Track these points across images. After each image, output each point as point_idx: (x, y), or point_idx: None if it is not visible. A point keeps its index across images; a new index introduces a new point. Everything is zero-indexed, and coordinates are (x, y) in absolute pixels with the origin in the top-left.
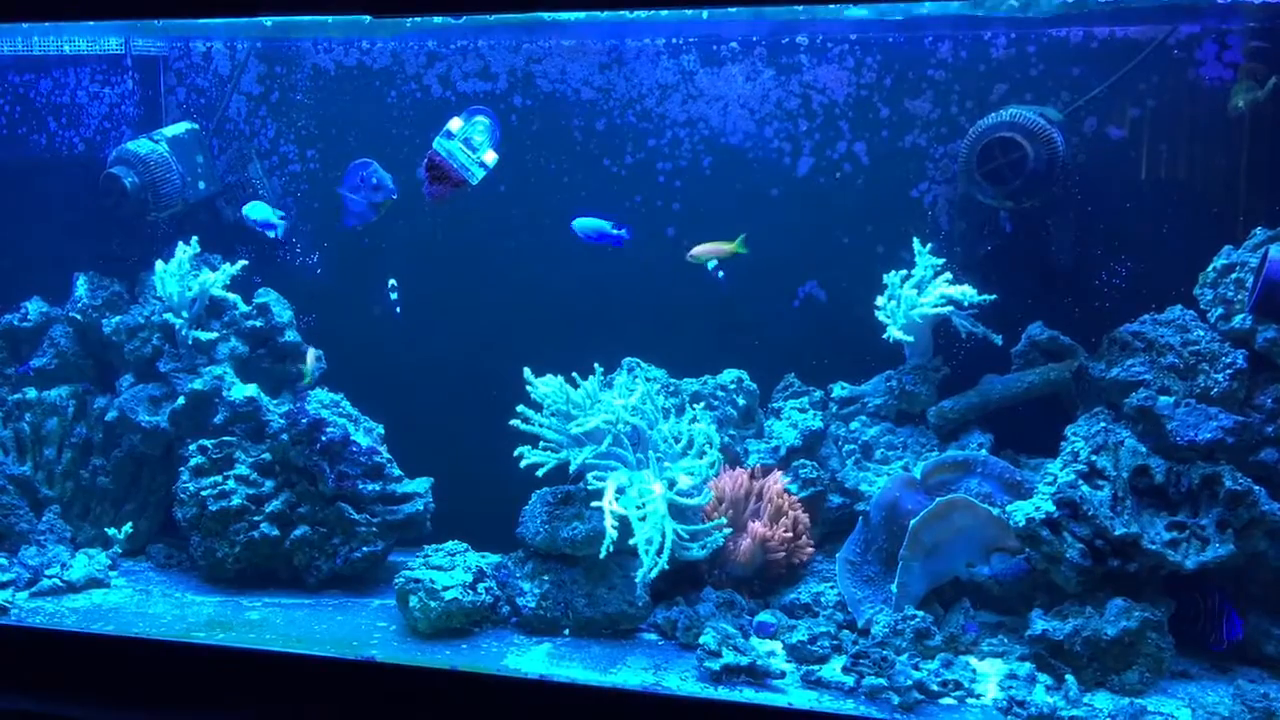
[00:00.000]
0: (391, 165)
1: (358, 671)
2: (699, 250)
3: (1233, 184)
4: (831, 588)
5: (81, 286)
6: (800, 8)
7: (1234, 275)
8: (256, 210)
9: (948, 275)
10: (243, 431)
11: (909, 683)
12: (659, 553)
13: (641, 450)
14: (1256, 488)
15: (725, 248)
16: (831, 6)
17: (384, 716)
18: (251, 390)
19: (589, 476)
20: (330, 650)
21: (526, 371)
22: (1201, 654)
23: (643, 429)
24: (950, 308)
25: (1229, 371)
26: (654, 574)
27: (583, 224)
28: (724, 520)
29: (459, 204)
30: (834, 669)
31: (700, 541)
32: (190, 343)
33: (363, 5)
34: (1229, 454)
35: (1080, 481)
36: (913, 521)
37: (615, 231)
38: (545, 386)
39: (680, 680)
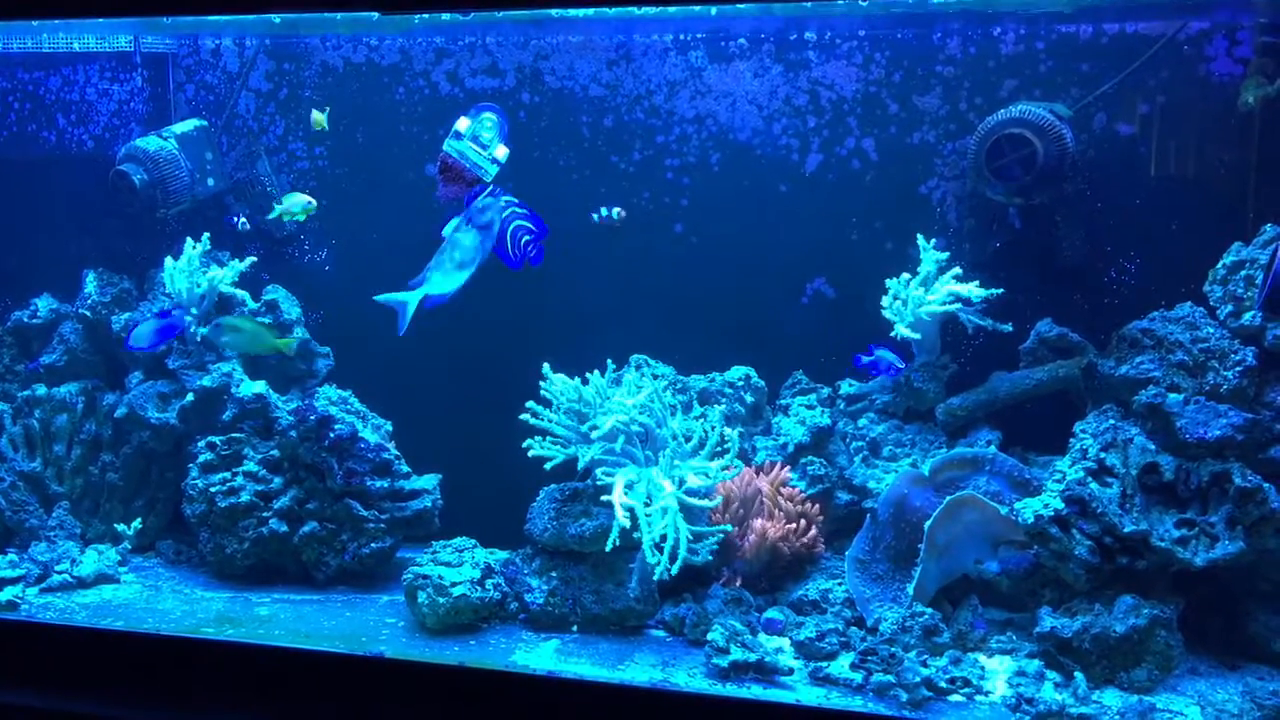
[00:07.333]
0: (400, 162)
1: (366, 667)
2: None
3: (1243, 180)
4: (839, 584)
5: (91, 283)
6: (809, 3)
7: (1244, 272)
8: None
9: (955, 271)
10: (251, 428)
11: (917, 679)
12: (673, 556)
13: (650, 448)
14: (1266, 485)
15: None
16: (839, 3)
17: (392, 712)
18: (260, 387)
19: (597, 472)
20: (339, 646)
21: (545, 367)
22: (1211, 651)
23: (651, 427)
24: (958, 305)
25: (1238, 369)
26: (663, 575)
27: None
28: (730, 527)
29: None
30: (842, 665)
31: (704, 547)
32: (199, 339)
33: (371, 2)
34: (1239, 451)
35: (1089, 479)
36: (927, 524)
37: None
38: (559, 384)
39: (688, 677)
